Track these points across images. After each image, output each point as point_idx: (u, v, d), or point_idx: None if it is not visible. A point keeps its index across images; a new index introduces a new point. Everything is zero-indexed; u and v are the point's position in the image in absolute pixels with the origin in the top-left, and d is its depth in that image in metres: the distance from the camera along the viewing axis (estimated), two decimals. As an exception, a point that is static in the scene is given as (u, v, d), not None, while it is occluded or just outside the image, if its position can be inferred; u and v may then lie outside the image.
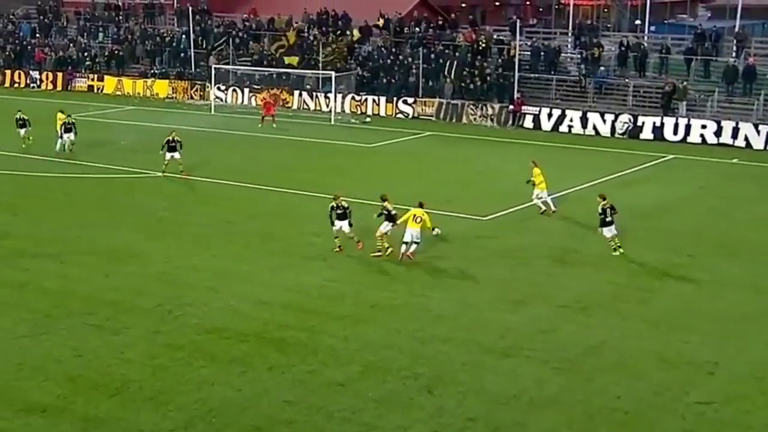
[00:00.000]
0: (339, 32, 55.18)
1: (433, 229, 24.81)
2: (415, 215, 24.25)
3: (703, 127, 43.51)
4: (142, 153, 38.57)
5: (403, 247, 24.32)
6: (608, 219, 25.07)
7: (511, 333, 19.62)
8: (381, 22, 55.17)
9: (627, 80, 47.84)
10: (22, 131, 38.74)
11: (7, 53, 63.96)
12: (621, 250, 25.15)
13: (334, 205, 24.77)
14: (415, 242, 24.31)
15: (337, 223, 24.71)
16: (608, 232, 25.18)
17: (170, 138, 33.72)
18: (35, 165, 35.56)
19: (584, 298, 21.83)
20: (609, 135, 45.11)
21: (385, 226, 24.61)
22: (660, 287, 22.98)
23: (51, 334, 19.20)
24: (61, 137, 37.81)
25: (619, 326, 20.16)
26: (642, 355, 18.55)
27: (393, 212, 24.59)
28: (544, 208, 29.54)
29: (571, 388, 17.13)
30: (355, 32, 55.13)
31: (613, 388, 17.05)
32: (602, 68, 48.57)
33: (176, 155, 33.69)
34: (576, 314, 20.86)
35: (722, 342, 19.32)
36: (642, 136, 44.44)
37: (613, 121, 45.30)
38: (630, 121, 44.98)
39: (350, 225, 24.73)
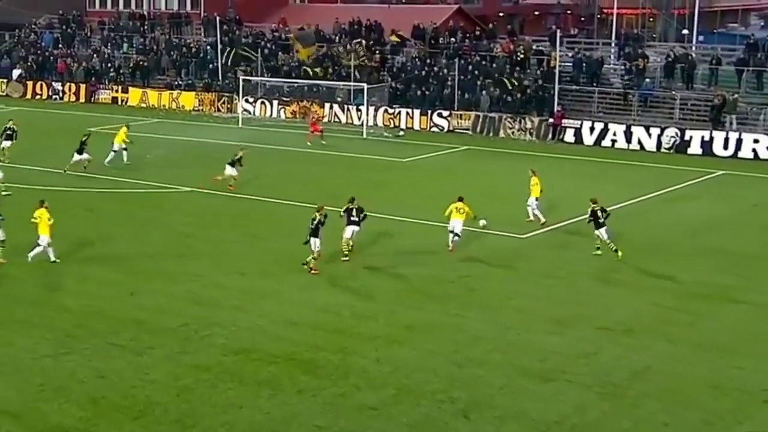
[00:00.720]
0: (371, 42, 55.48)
1: (477, 219, 27.08)
2: (457, 207, 26.60)
3: (756, 141, 43.21)
4: (168, 167, 38.93)
5: (450, 236, 26.65)
6: (601, 221, 26.24)
7: (552, 356, 19.54)
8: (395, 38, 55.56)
9: (674, 92, 47.60)
10: (8, 143, 39.07)
11: (29, 64, 64.74)
12: (600, 252, 26.36)
13: (317, 217, 24.62)
14: (457, 234, 26.50)
15: (313, 240, 24.60)
16: (605, 233, 26.22)
17: (238, 155, 34.94)
18: (58, 180, 35.93)
19: (628, 320, 21.70)
20: (654, 150, 44.89)
21: (349, 231, 25.59)
22: (709, 309, 22.80)
23: (73, 354, 19.37)
24: (116, 151, 38.62)
25: (666, 350, 20.02)
26: (691, 381, 18.40)
27: (356, 216, 25.62)
28: (532, 217, 29.96)
29: (616, 414, 17.02)
30: (394, 37, 55.61)
31: (660, 416, 16.92)
32: (647, 80, 48.36)
33: (231, 170, 34.62)
34: (620, 337, 20.74)
35: (777, 368, 19.13)
36: (690, 150, 44.17)
37: (659, 135, 45.07)
38: (677, 135, 44.74)
39: (320, 241, 24.65)
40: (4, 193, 31.78)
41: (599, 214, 26.27)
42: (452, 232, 26.54)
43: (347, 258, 25.68)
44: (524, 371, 18.77)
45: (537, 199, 29.91)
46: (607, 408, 17.26)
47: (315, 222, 24.57)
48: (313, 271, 24.63)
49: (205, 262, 25.96)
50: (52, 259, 25.31)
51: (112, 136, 39.78)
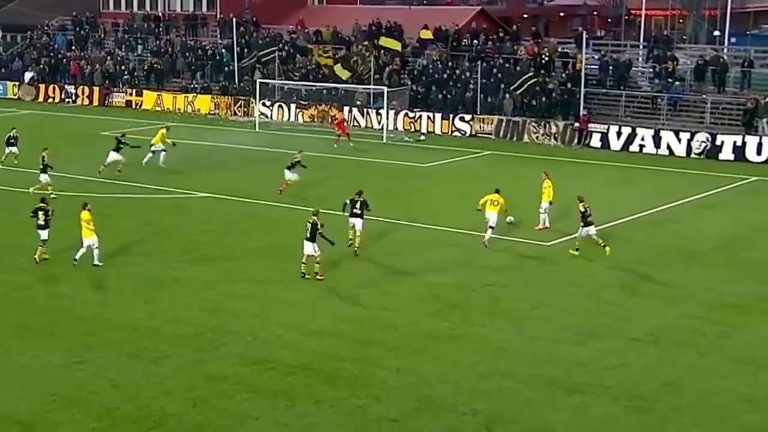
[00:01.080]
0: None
1: (506, 214, 28.27)
2: (492, 199, 27.57)
3: (790, 146, 43.04)
4: (183, 173, 39.08)
5: (489, 231, 27.46)
6: (590, 219, 26.97)
7: (578, 367, 19.49)
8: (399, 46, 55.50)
9: (704, 96, 47.39)
10: (13, 149, 39.44)
11: (41, 66, 65.13)
12: (578, 252, 27.23)
13: (315, 222, 24.78)
14: (491, 227, 27.36)
15: (307, 245, 24.77)
16: (592, 230, 27.06)
17: (296, 158, 35.33)
18: (71, 184, 36.12)
19: (658, 331, 21.62)
20: (684, 155, 44.69)
21: (354, 223, 26.80)
22: (742, 321, 22.65)
23: (86, 364, 19.48)
24: (155, 151, 39.23)
25: (697, 362, 19.95)
26: (724, 395, 18.32)
27: (359, 209, 26.75)
28: (547, 224, 30.19)
29: (644, 428, 16.97)
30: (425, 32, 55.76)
31: (692, 430, 16.86)
32: (677, 83, 48.19)
33: (290, 175, 34.90)
34: (649, 348, 20.67)
35: (815, 382, 19.00)
36: (721, 156, 43.95)
37: (689, 140, 44.88)
38: (708, 140, 44.54)
39: (318, 247, 24.78)
40: (52, 195, 32.37)
41: (589, 209, 26.90)
42: (492, 227, 27.37)
43: (356, 252, 26.91)
44: (550, 383, 18.72)
45: (551, 203, 29.96)
46: (635, 422, 17.20)
47: (311, 226, 24.69)
48: (318, 276, 24.75)
49: (222, 270, 26.05)
50: (77, 257, 25.81)
51: (148, 139, 40.24)
